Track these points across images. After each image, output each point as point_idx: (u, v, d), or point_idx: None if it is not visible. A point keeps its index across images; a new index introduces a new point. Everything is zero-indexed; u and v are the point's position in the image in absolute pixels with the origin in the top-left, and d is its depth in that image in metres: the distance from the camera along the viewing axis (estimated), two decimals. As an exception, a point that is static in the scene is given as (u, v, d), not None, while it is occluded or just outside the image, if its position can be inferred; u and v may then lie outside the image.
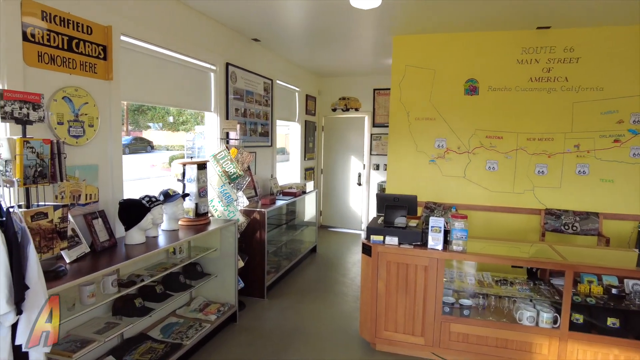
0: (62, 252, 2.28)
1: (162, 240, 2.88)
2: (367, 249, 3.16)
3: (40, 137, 2.01)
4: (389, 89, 4.79)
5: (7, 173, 1.89)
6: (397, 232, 3.10)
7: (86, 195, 2.61)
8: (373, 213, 7.15)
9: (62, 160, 2.12)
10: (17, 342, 1.40)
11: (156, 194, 2.97)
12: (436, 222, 3.03)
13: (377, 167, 7.15)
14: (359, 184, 7.25)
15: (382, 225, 3.18)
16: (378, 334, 3.18)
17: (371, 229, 3.16)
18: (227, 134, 4.12)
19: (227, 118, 4.26)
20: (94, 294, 2.35)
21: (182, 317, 3.34)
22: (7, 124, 2.12)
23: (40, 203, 2.11)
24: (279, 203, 4.62)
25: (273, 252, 4.92)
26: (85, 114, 2.56)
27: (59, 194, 2.43)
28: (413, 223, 3.32)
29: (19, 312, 1.40)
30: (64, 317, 2.15)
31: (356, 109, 7.15)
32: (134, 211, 2.69)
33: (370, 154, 7.14)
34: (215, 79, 4.07)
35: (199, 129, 4.46)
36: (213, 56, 3.98)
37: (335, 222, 7.50)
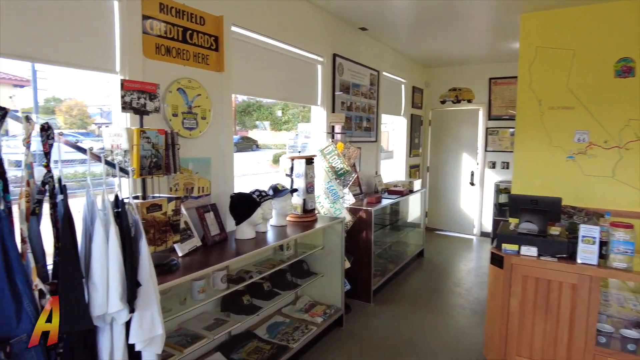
0: (175, 246, 2.25)
1: (270, 236, 2.76)
2: (497, 260, 2.68)
3: (156, 128, 1.98)
4: (510, 77, 4.15)
5: (125, 164, 1.88)
6: (536, 241, 2.58)
7: (199, 188, 2.59)
8: (488, 216, 6.43)
9: (175, 151, 2.07)
10: (130, 341, 1.32)
11: (265, 189, 2.87)
12: (589, 231, 2.44)
13: (492, 165, 6.41)
14: (472, 184, 6.58)
15: (516, 233, 2.68)
16: (508, 358, 2.69)
17: (503, 237, 2.68)
18: (333, 128, 3.92)
19: (333, 112, 4.06)
20: (204, 289, 2.29)
21: (288, 317, 3.21)
22: (127, 115, 2.15)
23: (155, 195, 2.09)
24: (385, 202, 4.29)
25: (378, 255, 4.61)
26: (198, 106, 2.53)
27: (173, 186, 2.42)
28: (555, 231, 2.75)
29: (131, 310, 1.31)
30: (176, 311, 2.13)
31: (469, 101, 6.50)
32: (244, 205, 2.61)
33: (485, 151, 6.43)
34: (323, 70, 3.89)
35: (301, 127, 4.34)
36: (320, 47, 3.81)
37: (443, 224, 6.92)
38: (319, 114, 3.96)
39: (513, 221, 3.07)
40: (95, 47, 2.04)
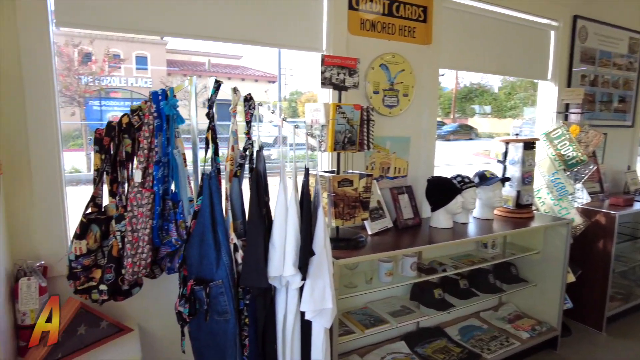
0: (365, 223, 2.23)
1: (472, 229, 2.44)
2: None
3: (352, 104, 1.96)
4: None
5: (322, 138, 1.93)
6: None
7: (395, 168, 2.50)
8: None
9: (370, 127, 2.01)
10: (301, 308, 1.34)
11: (470, 175, 2.55)
12: None
13: None
14: None
15: None
16: None
17: None
18: (567, 106, 3.18)
19: (569, 87, 3.29)
20: (391, 272, 2.19)
21: (486, 323, 2.82)
22: (329, 90, 2.22)
23: (348, 171, 2.10)
24: (638, 206, 3.25)
25: (620, 273, 3.56)
26: (401, 82, 2.42)
27: (370, 164, 2.40)
28: None
29: (303, 277, 1.32)
30: (361, 289, 2.11)
31: None
32: (442, 191, 2.38)
33: None
34: (557, 37, 3.19)
35: (529, 114, 3.68)
36: (555, 9, 3.11)
37: None
38: (549, 91, 3.27)
39: None
40: (303, 27, 2.15)
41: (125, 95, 15.42)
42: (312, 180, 1.56)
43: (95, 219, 1.50)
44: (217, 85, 1.49)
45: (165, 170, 1.52)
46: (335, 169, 2.04)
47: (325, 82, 1.95)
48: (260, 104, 1.59)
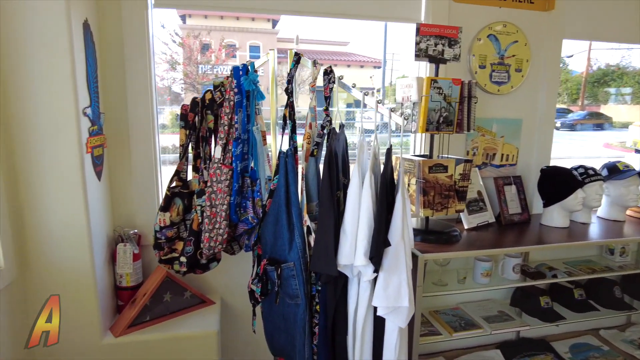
0: (462, 216, 1.99)
1: (594, 231, 2.05)
2: None
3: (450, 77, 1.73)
4: None
5: (414, 117, 1.74)
6: None
7: (502, 155, 2.18)
8: None
9: (471, 105, 1.76)
10: (373, 303, 1.21)
11: (597, 167, 2.13)
12: None
13: None
14: None
15: None
16: None
17: None
18: None
19: None
20: (489, 273, 1.93)
21: (607, 344, 2.37)
22: (427, 67, 2.00)
23: (444, 155, 1.88)
24: None
25: None
26: (513, 56, 2.08)
27: (472, 149, 2.13)
28: None
29: (376, 269, 1.18)
30: (452, 288, 1.89)
31: None
32: (558, 183, 2.02)
33: None
34: None
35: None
36: None
37: None
38: None
39: None
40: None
41: (239, 83, 16.46)
42: (395, 163, 1.40)
43: (179, 192, 1.54)
44: (297, 58, 1.41)
45: (245, 147, 1.50)
46: (428, 153, 1.84)
47: (420, 53, 1.74)
48: (354, 85, 1.47)
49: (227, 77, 1.47)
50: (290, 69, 1.41)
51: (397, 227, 1.15)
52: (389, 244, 1.16)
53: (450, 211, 1.77)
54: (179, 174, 1.55)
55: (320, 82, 1.41)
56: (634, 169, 2.10)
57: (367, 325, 1.29)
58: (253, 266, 1.49)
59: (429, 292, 1.83)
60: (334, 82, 1.38)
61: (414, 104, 1.72)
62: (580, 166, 2.08)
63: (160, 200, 1.80)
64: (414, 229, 1.84)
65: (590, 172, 2.03)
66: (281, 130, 1.41)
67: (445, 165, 1.74)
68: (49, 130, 1.37)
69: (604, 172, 2.15)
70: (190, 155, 1.56)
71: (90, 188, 1.48)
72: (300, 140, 1.44)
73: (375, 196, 1.20)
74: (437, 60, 1.76)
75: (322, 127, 1.37)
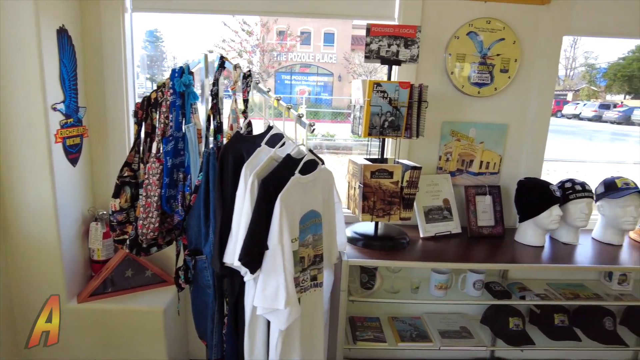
0: (418, 223, 1.91)
1: (581, 253, 1.84)
2: None
3: (400, 81, 1.66)
4: None
5: (360, 120, 1.71)
6: None
7: (482, 162, 2.04)
8: None
9: (421, 110, 1.68)
10: (253, 303, 1.25)
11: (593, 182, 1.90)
12: None
13: None
14: None
15: None
16: None
17: None
18: None
19: None
20: (443, 286, 1.84)
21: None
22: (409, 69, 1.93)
23: (398, 160, 1.82)
24: None
25: None
26: (497, 55, 1.91)
27: (445, 154, 2.02)
28: None
29: (252, 271, 1.22)
30: (406, 296, 1.84)
31: None
32: (533, 198, 1.84)
33: None
34: None
35: None
36: None
37: None
38: None
39: None
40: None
41: (312, 71, 16.76)
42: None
43: (128, 182, 1.71)
44: (221, 62, 1.47)
45: (180, 143, 1.61)
46: (379, 157, 1.80)
47: (371, 55, 1.70)
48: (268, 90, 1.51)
49: (168, 78, 1.59)
50: (215, 72, 1.48)
51: (274, 232, 1.18)
52: (266, 248, 1.20)
53: (393, 218, 1.72)
54: (130, 165, 1.72)
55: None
56: (634, 187, 1.82)
57: (259, 322, 1.34)
58: (177, 255, 1.61)
59: (373, 297, 1.80)
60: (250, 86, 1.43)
61: (360, 107, 1.70)
62: (569, 180, 1.87)
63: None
64: (360, 233, 1.83)
65: (578, 187, 1.82)
66: (206, 130, 1.49)
67: (390, 171, 1.69)
68: (21, 123, 1.61)
69: (600, 189, 1.90)
70: (142, 148, 1.72)
71: (61, 173, 1.72)
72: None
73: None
74: (390, 61, 1.71)
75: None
